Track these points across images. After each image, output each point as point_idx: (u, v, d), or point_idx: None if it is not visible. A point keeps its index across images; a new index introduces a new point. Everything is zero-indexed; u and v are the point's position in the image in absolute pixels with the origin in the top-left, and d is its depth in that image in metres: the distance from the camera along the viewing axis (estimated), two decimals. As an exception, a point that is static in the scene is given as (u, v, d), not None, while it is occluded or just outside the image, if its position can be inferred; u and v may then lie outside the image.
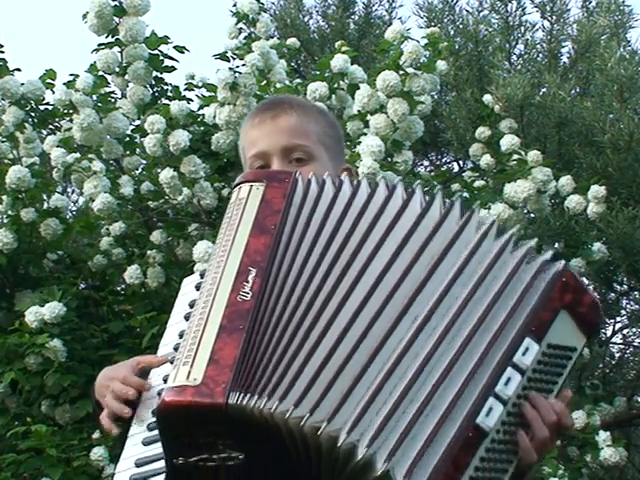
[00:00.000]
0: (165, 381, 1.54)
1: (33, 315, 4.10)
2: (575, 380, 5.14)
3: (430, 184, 4.78)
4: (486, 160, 4.83)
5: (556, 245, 4.77)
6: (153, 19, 4.49)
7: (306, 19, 6.50)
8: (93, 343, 4.42)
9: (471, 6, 5.61)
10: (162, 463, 1.49)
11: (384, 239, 1.53)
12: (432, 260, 1.51)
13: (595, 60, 4.86)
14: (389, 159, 4.31)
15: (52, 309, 4.10)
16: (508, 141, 4.58)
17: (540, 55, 5.49)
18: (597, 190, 4.42)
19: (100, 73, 4.50)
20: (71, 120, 4.44)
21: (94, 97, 4.37)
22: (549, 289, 1.52)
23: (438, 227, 1.54)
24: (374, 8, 6.43)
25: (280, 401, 1.40)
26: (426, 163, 6.44)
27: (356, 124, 4.36)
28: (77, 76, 4.43)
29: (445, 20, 5.57)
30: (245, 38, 4.77)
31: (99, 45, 4.43)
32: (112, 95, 4.63)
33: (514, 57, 5.49)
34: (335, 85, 4.52)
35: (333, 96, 4.52)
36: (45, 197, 4.59)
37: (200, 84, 4.98)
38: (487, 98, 4.90)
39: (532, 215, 4.69)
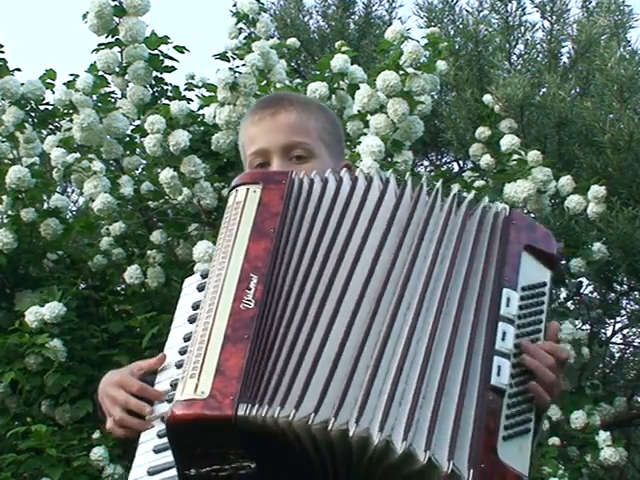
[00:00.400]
0: (172, 386, 1.55)
1: (33, 315, 4.10)
2: (575, 380, 5.14)
3: (430, 184, 4.79)
4: (486, 160, 4.83)
5: (556, 245, 4.76)
6: (153, 19, 4.49)
7: (306, 19, 6.50)
8: (93, 343, 4.41)
9: (471, 6, 5.62)
10: (174, 472, 1.49)
11: (375, 235, 1.55)
12: (396, 247, 1.55)
13: (595, 60, 4.86)
14: (389, 159, 4.31)
15: (52, 309, 4.10)
16: (508, 141, 4.58)
17: (540, 55, 5.48)
18: (597, 190, 4.42)
19: (100, 73, 4.50)
20: (71, 120, 4.44)
21: (94, 97, 4.37)
22: (506, 236, 1.56)
23: (395, 213, 1.58)
24: (374, 8, 6.44)
25: (294, 409, 1.40)
26: (426, 163, 6.44)
27: (356, 124, 4.36)
28: (77, 76, 4.43)
29: (445, 20, 5.57)
30: (245, 38, 4.77)
31: (99, 45, 4.43)
32: (112, 95, 4.63)
33: (514, 57, 5.49)
34: (335, 85, 4.52)
35: (333, 96, 4.52)
36: (45, 197, 4.59)
37: (200, 84, 4.98)
38: (487, 98, 4.90)
39: (532, 215, 4.68)
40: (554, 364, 1.52)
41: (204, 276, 1.66)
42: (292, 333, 1.47)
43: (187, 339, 1.60)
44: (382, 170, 4.08)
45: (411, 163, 4.46)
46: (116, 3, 4.32)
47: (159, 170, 4.44)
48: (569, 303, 5.40)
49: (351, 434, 1.37)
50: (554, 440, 4.27)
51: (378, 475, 1.41)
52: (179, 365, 1.59)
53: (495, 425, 1.43)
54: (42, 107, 4.69)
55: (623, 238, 4.45)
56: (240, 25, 4.80)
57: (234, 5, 4.80)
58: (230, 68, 4.36)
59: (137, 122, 4.67)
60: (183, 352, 1.60)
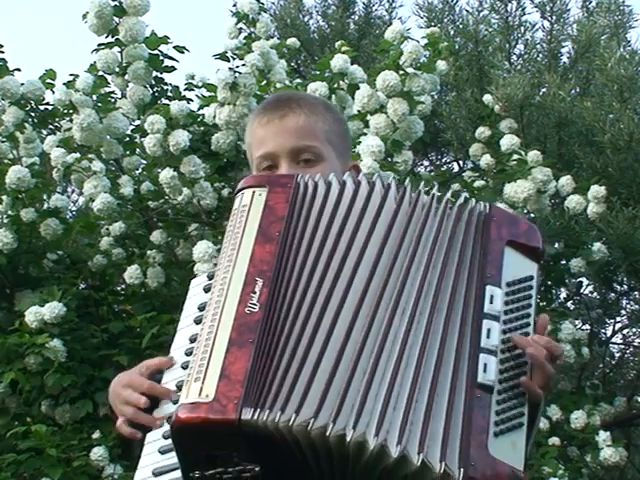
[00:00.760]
0: (178, 387, 1.56)
1: (33, 315, 4.10)
2: (575, 380, 5.14)
3: (430, 184, 4.79)
4: (486, 160, 4.83)
5: (556, 245, 4.77)
6: (153, 19, 4.49)
7: (306, 19, 6.50)
8: (93, 343, 4.41)
9: (471, 6, 5.62)
10: (179, 473, 1.50)
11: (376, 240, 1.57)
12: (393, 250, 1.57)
13: (595, 60, 4.86)
14: (389, 159, 4.31)
15: (52, 309, 4.10)
16: (508, 141, 4.58)
17: (540, 55, 5.49)
18: (597, 190, 4.42)
19: (100, 73, 4.50)
20: (71, 120, 4.44)
21: (94, 97, 4.37)
22: (486, 233, 1.58)
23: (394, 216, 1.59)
24: (374, 8, 6.44)
25: (294, 413, 1.41)
26: (426, 163, 6.44)
27: (356, 124, 4.35)
28: (77, 76, 4.43)
29: (445, 20, 5.57)
30: (245, 38, 4.76)
31: (99, 45, 4.43)
32: (112, 95, 4.63)
33: (514, 57, 5.49)
34: (335, 85, 4.52)
35: (333, 96, 4.52)
36: (45, 197, 4.59)
37: (200, 84, 4.98)
38: (487, 98, 4.90)
39: (532, 215, 4.68)
40: (549, 357, 1.53)
41: (210, 277, 1.66)
42: (295, 338, 1.47)
43: (193, 340, 1.61)
44: (382, 170, 4.09)
45: (411, 163, 4.46)
46: (116, 3, 4.32)
47: (159, 170, 4.44)
48: (569, 303, 5.40)
49: (348, 439, 1.39)
50: (554, 440, 4.27)
51: (374, 478, 1.42)
52: (185, 366, 1.59)
53: (485, 422, 1.44)
54: (42, 107, 4.69)
55: (623, 238, 4.45)
56: (240, 25, 4.80)
57: (234, 5, 4.81)
58: (230, 68, 4.36)
59: (137, 122, 4.67)
60: (189, 353, 1.61)
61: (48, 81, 4.58)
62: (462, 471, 1.39)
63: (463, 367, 1.47)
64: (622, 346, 6.03)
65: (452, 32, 5.54)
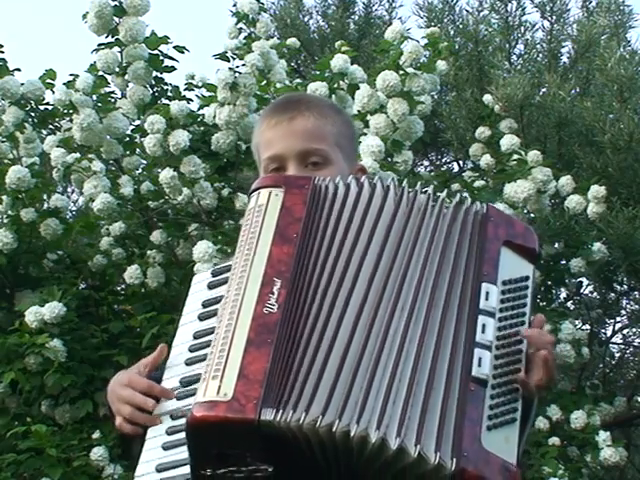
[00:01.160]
0: (182, 383, 1.58)
1: (33, 315, 4.10)
2: (575, 380, 5.14)
3: (430, 184, 4.79)
4: (486, 160, 4.83)
5: (556, 245, 4.77)
6: (153, 19, 4.48)
7: (306, 19, 6.50)
8: (93, 343, 4.41)
9: (471, 6, 5.62)
10: (184, 470, 1.51)
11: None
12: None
13: (595, 60, 4.86)
14: (389, 159, 4.31)
15: (52, 309, 4.10)
16: (508, 141, 4.58)
17: (540, 55, 5.48)
18: (597, 190, 4.41)
19: (100, 73, 4.50)
20: (71, 120, 4.44)
21: (94, 97, 4.37)
22: (484, 233, 1.61)
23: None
24: (374, 8, 6.44)
25: (304, 412, 1.43)
26: (426, 163, 6.44)
27: (356, 124, 4.35)
28: (77, 76, 4.42)
29: (445, 20, 5.57)
30: (245, 38, 4.76)
31: (99, 45, 4.43)
32: (112, 95, 4.63)
33: (514, 57, 5.49)
34: (335, 85, 4.52)
35: (333, 96, 4.52)
36: (45, 197, 4.59)
37: (200, 84, 4.98)
38: (487, 98, 4.90)
39: (532, 215, 4.68)
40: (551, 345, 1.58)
41: (214, 274, 1.68)
42: (315, 343, 1.50)
43: (197, 336, 1.62)
44: (382, 170, 4.09)
45: (411, 163, 4.46)
46: (116, 3, 4.32)
47: (159, 170, 4.44)
48: (569, 303, 5.40)
49: (352, 434, 1.42)
50: (554, 440, 4.27)
51: (375, 470, 1.46)
52: (189, 363, 1.61)
53: (478, 415, 1.47)
54: (42, 107, 4.68)
55: (623, 238, 4.45)
56: (240, 25, 4.80)
57: (234, 5, 4.80)
58: (230, 68, 4.36)
59: (137, 122, 4.67)
60: (193, 350, 1.62)
61: (48, 81, 4.57)
62: (454, 462, 1.42)
63: (458, 361, 1.50)
64: (622, 346, 6.03)
65: (452, 32, 5.54)
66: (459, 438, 1.44)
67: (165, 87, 4.67)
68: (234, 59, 4.45)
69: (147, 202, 4.70)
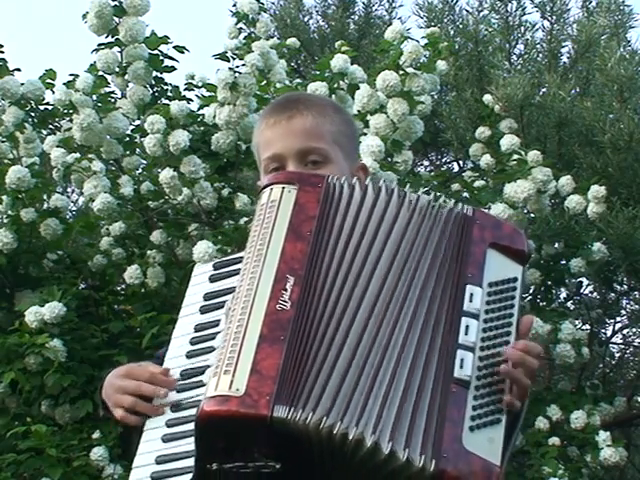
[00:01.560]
0: (183, 375, 1.58)
1: (33, 315, 4.10)
2: (575, 380, 5.14)
3: (430, 184, 4.79)
4: (486, 160, 4.83)
5: (556, 245, 4.77)
6: (153, 19, 4.49)
7: (306, 19, 6.50)
8: (93, 343, 4.41)
9: (471, 6, 5.62)
10: (184, 462, 1.51)
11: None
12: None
13: (595, 60, 4.86)
14: (389, 159, 4.31)
15: (52, 309, 4.10)
16: (508, 141, 4.58)
17: (540, 55, 5.48)
18: (597, 190, 4.41)
19: (100, 73, 4.50)
20: (71, 120, 4.44)
21: (94, 97, 4.37)
22: (469, 235, 1.61)
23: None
24: (374, 8, 6.44)
25: (321, 415, 1.44)
26: (426, 163, 6.44)
27: (356, 124, 4.35)
28: (77, 76, 4.42)
29: (445, 20, 5.57)
30: (245, 38, 4.76)
31: (99, 45, 4.43)
32: (112, 95, 4.63)
33: (514, 57, 5.49)
34: (335, 85, 4.52)
35: (333, 96, 4.52)
36: (45, 197, 4.59)
37: (200, 84, 4.98)
38: (487, 98, 4.90)
39: (532, 215, 4.68)
40: (527, 363, 1.55)
41: (216, 267, 1.68)
42: (327, 341, 1.50)
43: (199, 329, 1.62)
44: (382, 170, 4.09)
45: (411, 163, 4.46)
46: (116, 3, 4.32)
47: (159, 170, 4.44)
48: (569, 303, 5.40)
49: (350, 437, 1.43)
50: (554, 440, 4.27)
51: (367, 471, 1.46)
52: (190, 355, 1.61)
53: (459, 416, 1.47)
54: (42, 107, 4.69)
55: (623, 238, 4.45)
56: (240, 25, 4.80)
57: (234, 5, 4.80)
58: (230, 68, 4.36)
59: (137, 122, 4.67)
60: (194, 342, 1.62)
61: (48, 81, 4.58)
62: (434, 463, 1.42)
63: (440, 363, 1.51)
64: (622, 346, 6.03)
65: (452, 32, 5.54)
66: (439, 439, 1.44)
67: (165, 87, 4.67)
68: (234, 59, 4.45)
69: (147, 202, 4.70)
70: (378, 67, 4.36)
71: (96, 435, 4.07)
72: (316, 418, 1.43)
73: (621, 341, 6.01)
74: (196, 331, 1.63)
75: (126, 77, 4.47)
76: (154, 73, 4.53)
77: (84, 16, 4.37)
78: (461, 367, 1.50)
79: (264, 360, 1.46)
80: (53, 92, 4.51)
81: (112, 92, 4.65)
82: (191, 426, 1.51)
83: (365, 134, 4.25)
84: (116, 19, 4.36)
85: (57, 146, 4.49)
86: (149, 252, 4.59)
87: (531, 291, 4.98)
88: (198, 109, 4.78)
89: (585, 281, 5.21)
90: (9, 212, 4.44)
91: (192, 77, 5.06)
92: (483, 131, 4.92)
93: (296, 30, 6.28)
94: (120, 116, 4.38)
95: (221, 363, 1.48)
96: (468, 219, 1.62)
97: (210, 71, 6.32)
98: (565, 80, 5.00)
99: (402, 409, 1.46)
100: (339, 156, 1.82)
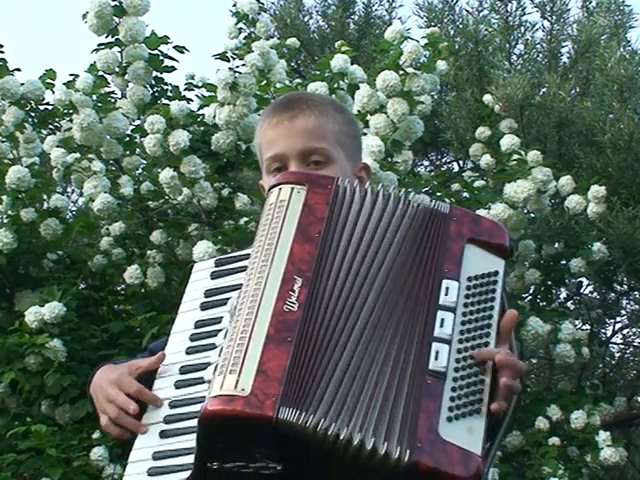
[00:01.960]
0: (181, 371, 1.58)
1: (33, 315, 4.10)
2: (575, 380, 5.14)
3: (430, 184, 4.79)
4: (486, 160, 4.83)
5: (556, 245, 4.77)
6: (153, 19, 4.49)
7: (306, 19, 6.50)
8: (93, 343, 4.41)
9: (471, 6, 5.62)
10: (183, 459, 1.51)
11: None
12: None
13: (595, 60, 4.86)
14: (389, 159, 4.31)
15: (52, 309, 4.10)
16: (508, 141, 4.58)
17: (540, 55, 5.48)
18: (597, 190, 4.41)
19: (100, 73, 4.50)
20: (71, 120, 4.44)
21: (94, 97, 4.37)
22: (446, 232, 1.61)
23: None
24: (374, 8, 6.44)
25: (320, 417, 1.44)
26: (426, 163, 6.44)
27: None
28: (77, 76, 4.42)
29: (445, 20, 5.57)
30: (245, 38, 4.76)
31: (99, 45, 4.43)
32: (112, 95, 4.63)
33: (514, 57, 5.49)
34: (335, 85, 4.52)
35: (333, 96, 4.52)
36: (45, 197, 4.59)
37: (200, 84, 4.98)
38: (487, 98, 4.90)
39: (532, 215, 4.68)
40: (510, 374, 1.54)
41: (218, 264, 1.67)
42: (334, 344, 1.50)
43: (199, 325, 1.62)
44: (382, 170, 4.09)
45: (411, 163, 4.46)
46: (116, 3, 4.32)
47: (159, 170, 4.44)
48: (569, 303, 5.40)
49: (341, 437, 1.43)
50: (554, 440, 4.27)
51: (356, 470, 1.47)
52: (189, 351, 1.61)
53: (435, 407, 1.47)
54: (42, 107, 4.69)
55: (623, 238, 4.45)
56: (240, 25, 4.80)
57: (234, 5, 4.80)
58: (230, 68, 4.36)
59: (137, 122, 4.67)
60: (194, 339, 1.62)
61: (48, 81, 4.58)
62: (408, 454, 1.43)
63: (416, 357, 1.51)
64: (622, 346, 6.04)
65: (452, 32, 5.54)
66: (414, 431, 1.44)
67: (165, 87, 4.67)
68: (234, 59, 4.45)
69: (147, 202, 4.70)
70: (378, 67, 4.36)
71: (96, 435, 4.07)
72: (316, 420, 1.43)
73: (621, 341, 6.02)
74: (196, 327, 1.63)
75: (126, 77, 4.47)
76: (154, 73, 4.53)
77: (84, 16, 4.38)
78: (436, 359, 1.50)
79: (270, 361, 1.46)
80: (53, 92, 4.51)
81: (112, 92, 4.65)
82: (189, 423, 1.51)
83: (365, 134, 4.25)
84: (116, 19, 4.36)
85: (57, 146, 4.49)
86: (149, 252, 4.59)
87: (531, 291, 4.98)
88: (198, 109, 4.78)
89: (585, 281, 5.21)
90: (9, 212, 4.44)
91: (192, 77, 5.07)
92: (483, 131, 4.92)
93: (296, 30, 6.28)
94: (120, 116, 4.38)
95: (227, 362, 1.47)
96: (444, 216, 1.63)
97: (210, 71, 6.35)
98: (565, 80, 5.00)
99: (384, 406, 1.46)
100: (341, 156, 1.82)
